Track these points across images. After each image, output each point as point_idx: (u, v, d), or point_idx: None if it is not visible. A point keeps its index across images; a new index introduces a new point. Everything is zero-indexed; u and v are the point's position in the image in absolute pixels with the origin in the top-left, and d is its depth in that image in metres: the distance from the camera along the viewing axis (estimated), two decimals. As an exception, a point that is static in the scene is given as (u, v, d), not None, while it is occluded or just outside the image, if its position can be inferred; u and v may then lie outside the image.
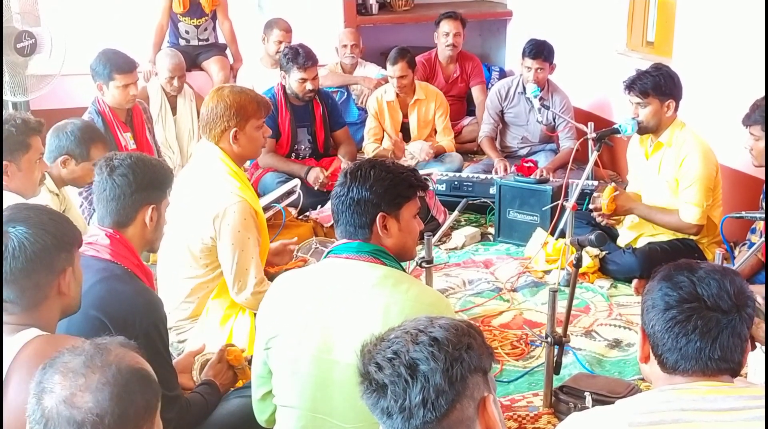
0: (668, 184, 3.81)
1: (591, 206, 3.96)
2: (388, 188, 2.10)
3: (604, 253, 3.91)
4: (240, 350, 2.74)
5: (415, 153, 5.38)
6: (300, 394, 2.07)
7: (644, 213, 3.90)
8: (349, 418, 2.01)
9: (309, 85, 4.82)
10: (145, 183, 2.36)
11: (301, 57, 4.76)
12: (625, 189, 4.31)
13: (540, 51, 5.11)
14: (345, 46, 6.08)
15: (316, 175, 4.76)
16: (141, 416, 1.37)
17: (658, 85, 3.70)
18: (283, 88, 4.89)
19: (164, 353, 2.31)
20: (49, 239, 1.85)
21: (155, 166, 2.43)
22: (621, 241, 4.05)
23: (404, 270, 2.19)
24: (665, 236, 3.89)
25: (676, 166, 3.75)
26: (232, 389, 2.67)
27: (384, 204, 2.09)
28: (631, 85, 3.74)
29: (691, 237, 3.82)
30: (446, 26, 5.98)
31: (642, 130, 3.80)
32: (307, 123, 5.00)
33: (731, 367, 1.57)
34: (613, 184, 3.98)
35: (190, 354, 2.76)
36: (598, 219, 3.94)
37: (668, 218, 3.82)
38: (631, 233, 4.02)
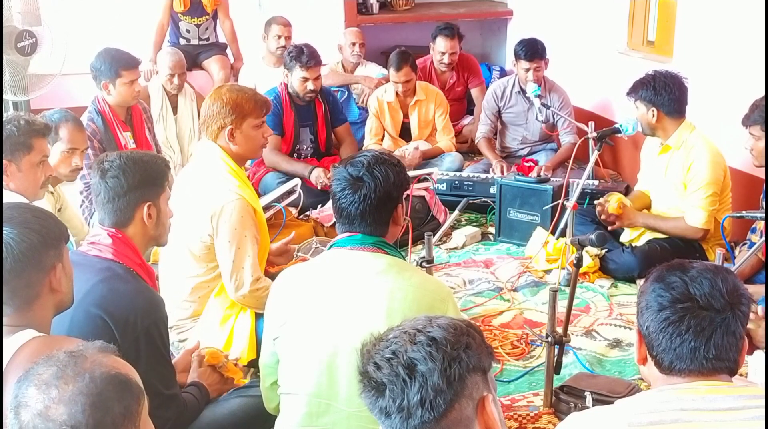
0: (675, 186, 3.81)
1: (596, 204, 3.93)
2: None
3: (604, 251, 3.91)
4: (215, 349, 2.73)
5: (405, 153, 5.34)
6: (306, 380, 2.11)
7: (650, 223, 3.90)
8: (353, 402, 2.03)
9: (310, 85, 4.81)
10: (137, 182, 2.34)
11: (305, 56, 4.74)
12: (627, 188, 4.31)
13: (535, 51, 5.09)
14: (354, 44, 6.05)
15: (318, 175, 4.75)
16: (119, 423, 1.34)
17: (637, 89, 3.74)
18: (287, 87, 4.89)
19: (164, 352, 2.31)
20: (35, 237, 1.84)
21: (146, 163, 2.39)
22: (624, 238, 4.04)
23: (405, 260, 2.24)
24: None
25: (684, 170, 3.75)
26: (231, 389, 2.66)
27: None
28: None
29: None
30: (441, 45, 5.88)
31: (643, 130, 3.82)
32: (310, 122, 4.99)
33: (728, 366, 1.57)
34: (620, 195, 3.95)
35: (187, 352, 2.76)
36: (600, 216, 3.93)
37: (674, 224, 3.82)
38: (634, 231, 4.00)
